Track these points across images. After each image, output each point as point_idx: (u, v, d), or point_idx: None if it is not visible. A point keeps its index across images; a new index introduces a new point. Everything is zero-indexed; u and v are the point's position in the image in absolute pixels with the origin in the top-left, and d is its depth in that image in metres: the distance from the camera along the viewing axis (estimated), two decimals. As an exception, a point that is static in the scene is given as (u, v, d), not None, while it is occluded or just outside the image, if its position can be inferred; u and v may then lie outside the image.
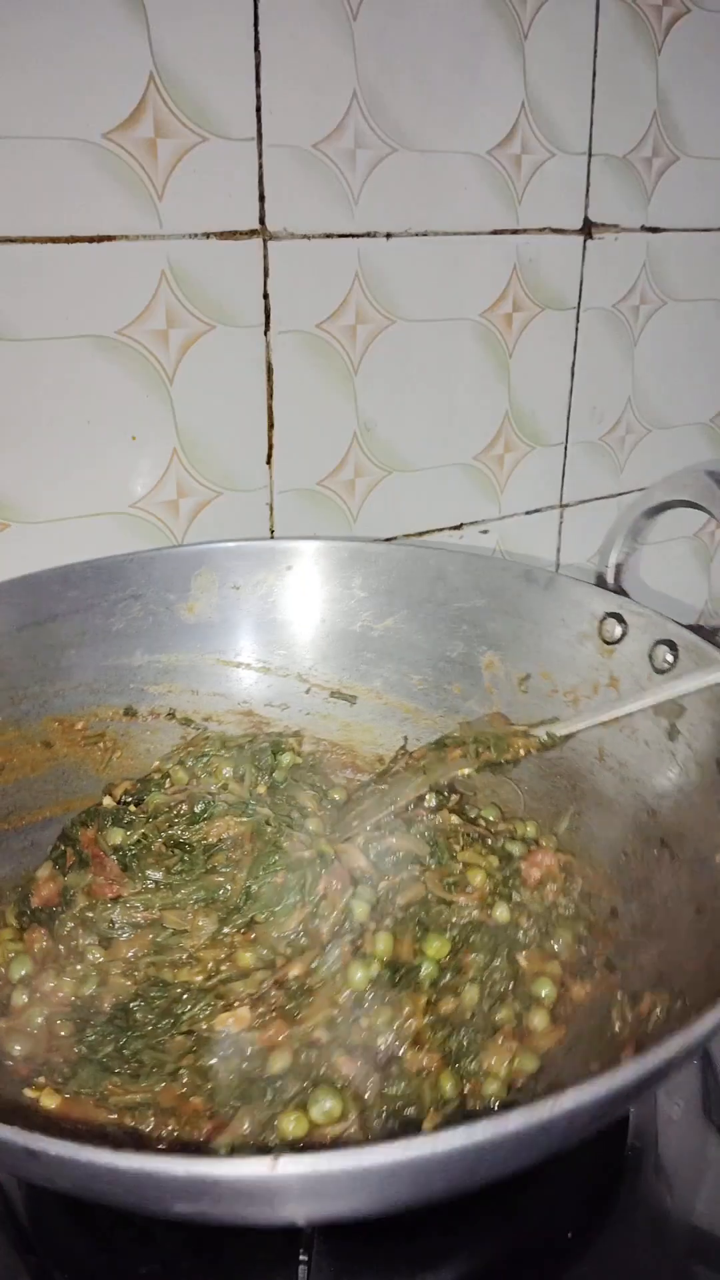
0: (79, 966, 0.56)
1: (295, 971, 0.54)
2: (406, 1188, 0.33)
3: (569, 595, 0.68)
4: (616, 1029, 0.50)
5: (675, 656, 0.61)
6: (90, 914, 0.58)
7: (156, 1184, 0.31)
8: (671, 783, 0.59)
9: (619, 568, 0.70)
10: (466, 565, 0.72)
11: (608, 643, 0.65)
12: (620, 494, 0.95)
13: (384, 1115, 0.47)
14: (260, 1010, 0.52)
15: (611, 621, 0.65)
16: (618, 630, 0.65)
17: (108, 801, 0.65)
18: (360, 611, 0.73)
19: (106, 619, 0.69)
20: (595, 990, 0.54)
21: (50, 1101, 0.48)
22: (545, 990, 0.54)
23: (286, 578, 0.73)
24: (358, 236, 0.74)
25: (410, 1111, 0.48)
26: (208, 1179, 0.31)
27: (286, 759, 0.68)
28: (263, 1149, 0.45)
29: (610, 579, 0.70)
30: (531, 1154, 0.35)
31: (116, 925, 0.58)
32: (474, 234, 0.79)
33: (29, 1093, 0.48)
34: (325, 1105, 0.46)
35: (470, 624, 0.71)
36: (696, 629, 0.62)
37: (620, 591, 0.69)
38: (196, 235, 0.68)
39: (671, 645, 0.61)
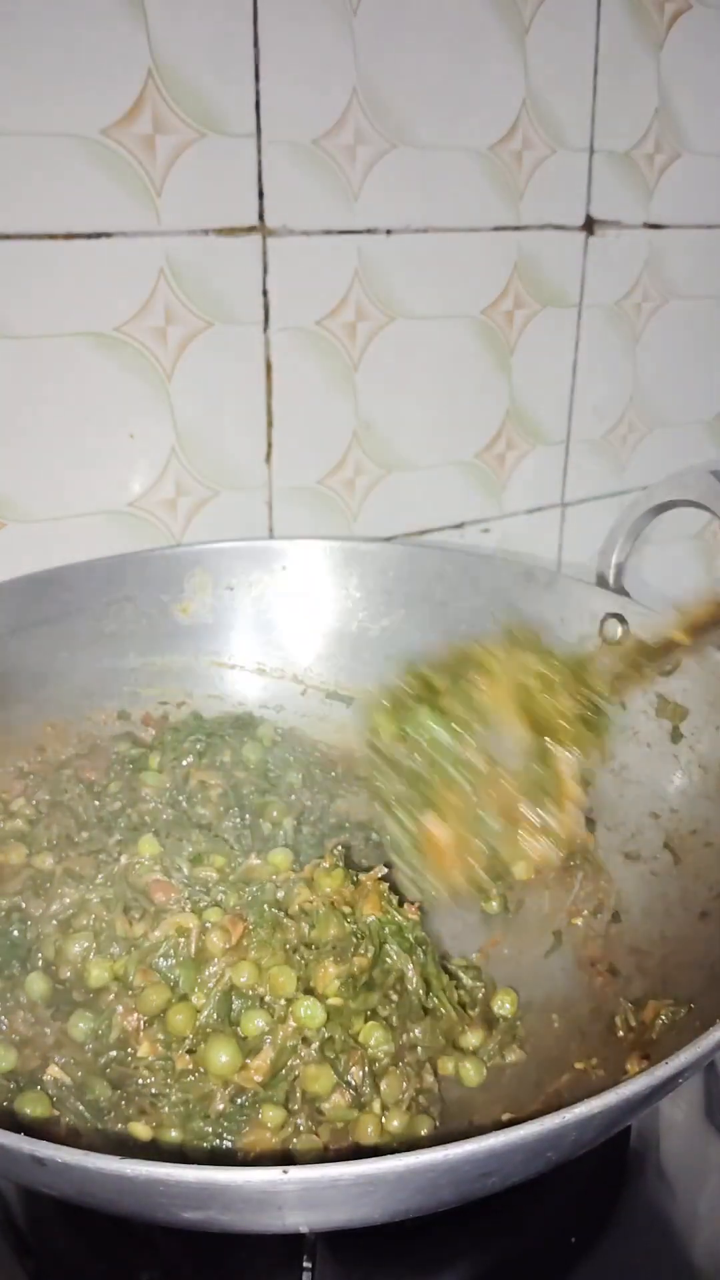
0: None
1: None
2: (416, 1196, 0.33)
3: (569, 595, 0.67)
4: (620, 1034, 0.50)
5: (677, 658, 0.61)
6: None
7: (166, 1192, 0.31)
8: (675, 786, 0.59)
9: (620, 567, 0.70)
10: (465, 564, 0.71)
11: (609, 643, 0.65)
12: (622, 492, 0.95)
13: None
14: None
15: (613, 621, 0.65)
16: (619, 630, 0.64)
17: None
18: (357, 612, 0.73)
19: (99, 621, 0.68)
20: None
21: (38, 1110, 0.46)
22: None
23: (281, 578, 0.72)
24: (357, 233, 0.73)
25: None
26: (218, 1186, 0.31)
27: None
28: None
29: (611, 579, 0.70)
30: (539, 1163, 0.35)
31: None
32: (475, 230, 0.78)
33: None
34: None
35: (469, 624, 0.71)
36: (698, 630, 0.62)
37: (621, 591, 0.69)
38: (195, 232, 0.68)
39: (674, 646, 0.61)
